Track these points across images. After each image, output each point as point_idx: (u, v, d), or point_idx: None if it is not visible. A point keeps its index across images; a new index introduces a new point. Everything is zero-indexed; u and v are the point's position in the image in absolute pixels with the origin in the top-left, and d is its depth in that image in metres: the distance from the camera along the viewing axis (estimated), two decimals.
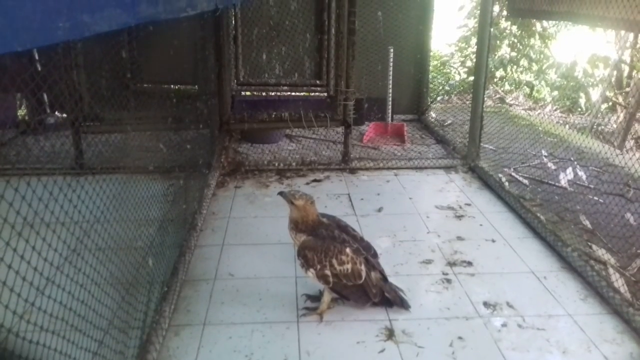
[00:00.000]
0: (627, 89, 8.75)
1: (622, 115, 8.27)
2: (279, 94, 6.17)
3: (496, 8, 8.30)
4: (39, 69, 4.06)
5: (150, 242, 2.93)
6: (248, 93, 6.33)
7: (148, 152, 4.71)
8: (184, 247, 3.46)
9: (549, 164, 5.39)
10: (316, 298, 2.99)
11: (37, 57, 4.19)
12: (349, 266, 2.76)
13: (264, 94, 6.30)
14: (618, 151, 6.27)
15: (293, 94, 6.19)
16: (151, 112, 4.28)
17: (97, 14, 1.59)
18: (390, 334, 2.75)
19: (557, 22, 9.02)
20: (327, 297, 2.89)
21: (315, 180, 4.95)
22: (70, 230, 2.05)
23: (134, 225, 2.83)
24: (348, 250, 2.77)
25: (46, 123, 5.53)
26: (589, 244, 3.69)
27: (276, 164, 5.21)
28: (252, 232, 3.91)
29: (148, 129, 4.49)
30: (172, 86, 5.22)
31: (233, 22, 5.66)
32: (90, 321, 2.06)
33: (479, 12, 6.29)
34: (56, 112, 5.88)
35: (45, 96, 5.56)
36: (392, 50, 6.25)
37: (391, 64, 6.25)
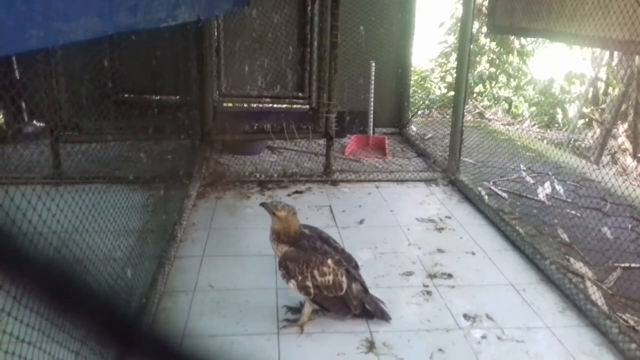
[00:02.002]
0: (603, 106, 8.93)
1: (598, 131, 8.44)
2: (261, 105, 6.17)
3: (475, 25, 8.44)
4: (18, 76, 4.02)
5: (129, 253, 2.89)
6: (230, 104, 6.32)
7: (128, 162, 4.67)
8: (163, 258, 3.42)
9: (528, 178, 5.47)
10: (297, 310, 2.98)
11: (15, 65, 4.14)
12: (330, 277, 2.75)
13: (245, 105, 6.30)
14: (595, 166, 6.38)
15: (275, 105, 6.20)
16: (132, 122, 4.25)
17: (72, 22, 1.57)
18: (370, 346, 2.74)
19: (535, 39, 9.19)
20: (307, 308, 2.88)
21: (296, 192, 4.95)
22: (48, 240, 2.01)
23: (112, 236, 2.79)
24: (329, 261, 2.77)
25: (25, 132, 5.45)
26: (567, 257, 3.74)
27: (257, 175, 5.19)
28: (232, 243, 3.89)
29: (128, 139, 4.46)
30: (153, 96, 5.19)
31: (216, 33, 5.67)
32: (67, 332, 2.02)
33: (458, 28, 6.39)
34: (34, 121, 5.80)
35: (23, 104, 5.48)
36: (373, 64, 6.31)
37: (373, 78, 6.30)
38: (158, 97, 5.14)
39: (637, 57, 7.34)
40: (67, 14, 1.49)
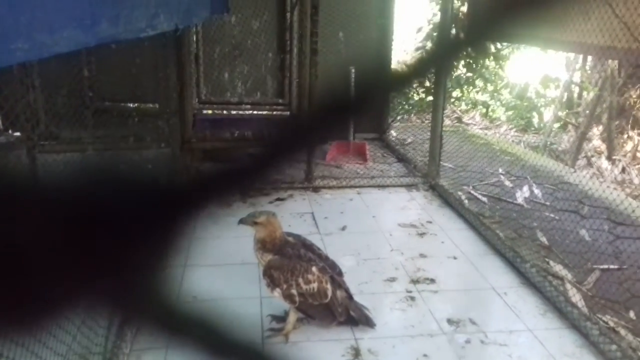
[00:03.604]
0: (578, 109, 9.10)
1: (573, 134, 8.59)
2: (241, 112, 6.15)
3: (452, 30, 8.53)
4: None
5: None
6: (209, 112, 6.29)
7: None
8: None
9: (506, 182, 5.54)
10: (281, 319, 2.97)
11: None
12: (315, 285, 2.76)
13: (225, 112, 6.27)
14: (572, 169, 6.49)
15: (255, 112, 6.19)
16: (111, 130, 4.21)
17: (56, 35, 1.57)
18: (356, 353, 2.75)
19: (512, 44, 9.33)
20: (292, 317, 2.87)
21: (278, 199, 4.94)
22: None
23: None
24: (314, 269, 2.77)
25: (0, 142, 5.35)
26: (546, 260, 3.79)
27: None
28: (215, 252, 3.86)
29: (108, 148, 4.41)
30: (130, 104, 5.14)
31: (195, 40, 5.64)
32: (49, 346, 1.99)
33: (436, 34, 6.45)
34: (9, 130, 5.70)
35: None
36: (353, 70, 6.33)
37: (353, 84, 6.31)
38: (137, 105, 5.10)
39: (610, 61, 7.50)
40: (51, 26, 1.49)
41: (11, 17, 1.32)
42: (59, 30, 1.60)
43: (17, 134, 5.42)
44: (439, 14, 6.53)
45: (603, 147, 8.28)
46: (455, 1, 6.68)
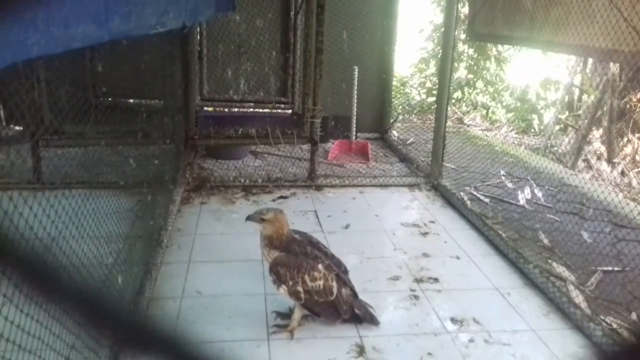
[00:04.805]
0: (579, 112, 9.12)
1: (574, 137, 8.61)
2: (243, 110, 6.16)
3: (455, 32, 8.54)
4: None
5: (118, 258, 2.86)
6: (210, 109, 6.28)
7: (110, 167, 4.61)
8: (149, 265, 3.40)
9: (508, 184, 5.55)
10: (286, 315, 2.98)
11: None
12: (320, 282, 2.77)
13: (226, 110, 6.27)
14: (573, 171, 6.51)
15: (257, 110, 6.20)
16: (115, 126, 4.20)
17: (71, 30, 1.58)
18: (361, 351, 2.76)
19: (512, 46, 9.35)
20: (298, 314, 2.89)
21: (281, 197, 4.95)
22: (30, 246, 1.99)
23: (105, 242, 2.76)
24: (320, 266, 2.78)
25: (2, 136, 5.34)
26: (549, 261, 3.81)
27: (242, 180, 5.18)
28: (219, 249, 3.87)
29: (112, 143, 4.41)
30: (134, 100, 5.13)
31: (198, 38, 5.64)
32: (59, 336, 2.00)
33: (437, 35, 6.46)
34: (12, 125, 5.69)
35: (1, 107, 5.38)
36: (356, 69, 6.35)
37: (355, 83, 6.34)
38: (142, 101, 5.10)
39: (611, 64, 7.52)
40: (67, 21, 1.49)
41: (30, 11, 1.33)
42: (75, 25, 1.61)
43: (19, 127, 5.41)
44: (440, 15, 6.54)
45: (603, 150, 8.30)
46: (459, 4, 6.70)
